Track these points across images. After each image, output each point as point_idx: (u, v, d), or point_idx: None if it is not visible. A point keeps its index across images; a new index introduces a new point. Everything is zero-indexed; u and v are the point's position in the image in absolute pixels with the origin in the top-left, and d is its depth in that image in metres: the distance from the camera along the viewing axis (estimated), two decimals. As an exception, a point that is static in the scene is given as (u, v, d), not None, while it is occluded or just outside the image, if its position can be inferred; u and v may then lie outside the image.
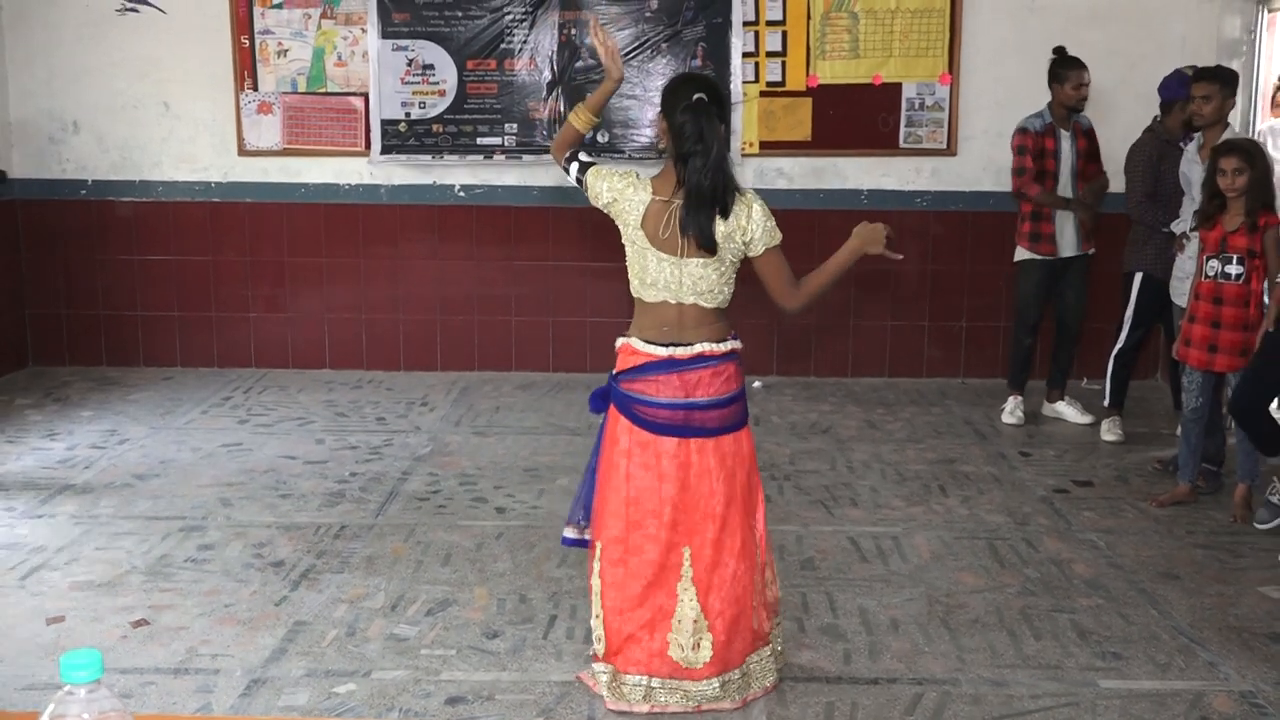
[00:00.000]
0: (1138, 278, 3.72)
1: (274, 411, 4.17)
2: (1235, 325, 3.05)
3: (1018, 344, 4.05)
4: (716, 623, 2.09)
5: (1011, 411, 4.00)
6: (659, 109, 2.11)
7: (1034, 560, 2.84)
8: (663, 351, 2.06)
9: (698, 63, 4.45)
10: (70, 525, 3.03)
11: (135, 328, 4.71)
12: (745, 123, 4.50)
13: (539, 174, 4.60)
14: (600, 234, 4.85)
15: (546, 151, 4.56)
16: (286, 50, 4.53)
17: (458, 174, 4.62)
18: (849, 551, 2.89)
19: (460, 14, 4.48)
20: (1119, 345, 3.82)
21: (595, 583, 2.14)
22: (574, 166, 2.13)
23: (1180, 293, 3.43)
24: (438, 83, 4.51)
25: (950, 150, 4.51)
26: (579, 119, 2.12)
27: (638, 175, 2.09)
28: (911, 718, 2.10)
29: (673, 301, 2.06)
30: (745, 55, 4.45)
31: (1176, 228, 3.55)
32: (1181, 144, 3.57)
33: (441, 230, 4.67)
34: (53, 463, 3.57)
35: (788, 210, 4.51)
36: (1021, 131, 3.85)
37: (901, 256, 2.16)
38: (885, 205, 4.54)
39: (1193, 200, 3.41)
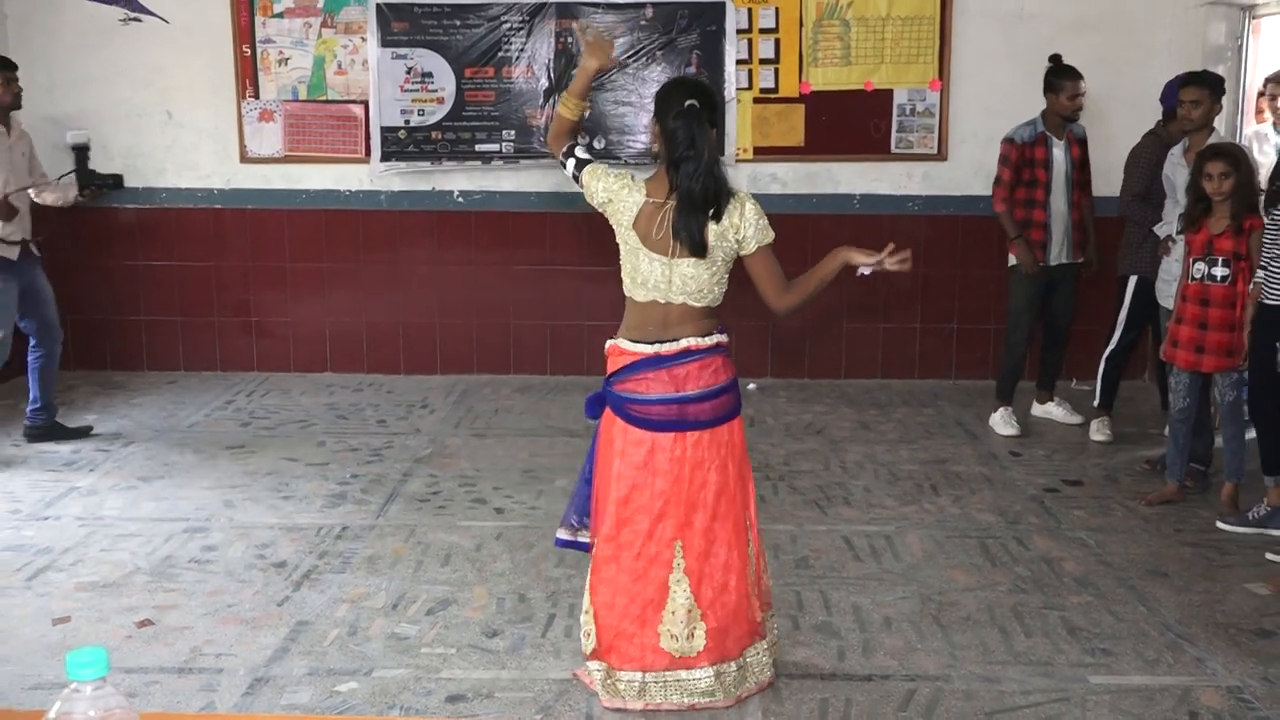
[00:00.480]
0: (1132, 281, 3.74)
1: (276, 414, 4.21)
2: (1222, 326, 3.10)
3: (1010, 353, 3.99)
4: (709, 612, 2.11)
5: (1006, 421, 3.93)
6: (653, 113, 2.14)
7: (1025, 558, 2.88)
8: (648, 349, 2.09)
9: (692, 69, 4.51)
10: (75, 527, 3.06)
11: (139, 332, 4.75)
12: (739, 128, 4.56)
13: (537, 180, 4.65)
14: (597, 239, 4.91)
15: (544, 158, 4.62)
16: (287, 59, 4.59)
17: (456, 180, 4.67)
18: (843, 550, 2.93)
19: (458, 23, 4.54)
20: (1111, 347, 3.85)
21: (588, 579, 2.18)
22: (571, 162, 2.15)
23: (1166, 295, 3.47)
24: (436, 90, 4.57)
25: (941, 155, 4.56)
26: (567, 107, 2.15)
27: (632, 177, 2.12)
28: (905, 714, 2.13)
29: (662, 301, 2.09)
30: (739, 62, 4.50)
31: (1161, 231, 3.59)
32: None
33: (440, 236, 4.72)
34: (58, 465, 3.60)
35: (781, 215, 4.56)
36: (1008, 141, 3.83)
37: (877, 263, 2.03)
38: (877, 209, 4.59)
39: (1176, 203, 3.46)
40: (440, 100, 4.58)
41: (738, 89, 4.51)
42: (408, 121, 4.59)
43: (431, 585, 2.70)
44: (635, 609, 2.12)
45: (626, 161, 4.56)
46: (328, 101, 4.60)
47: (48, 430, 3.78)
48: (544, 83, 4.56)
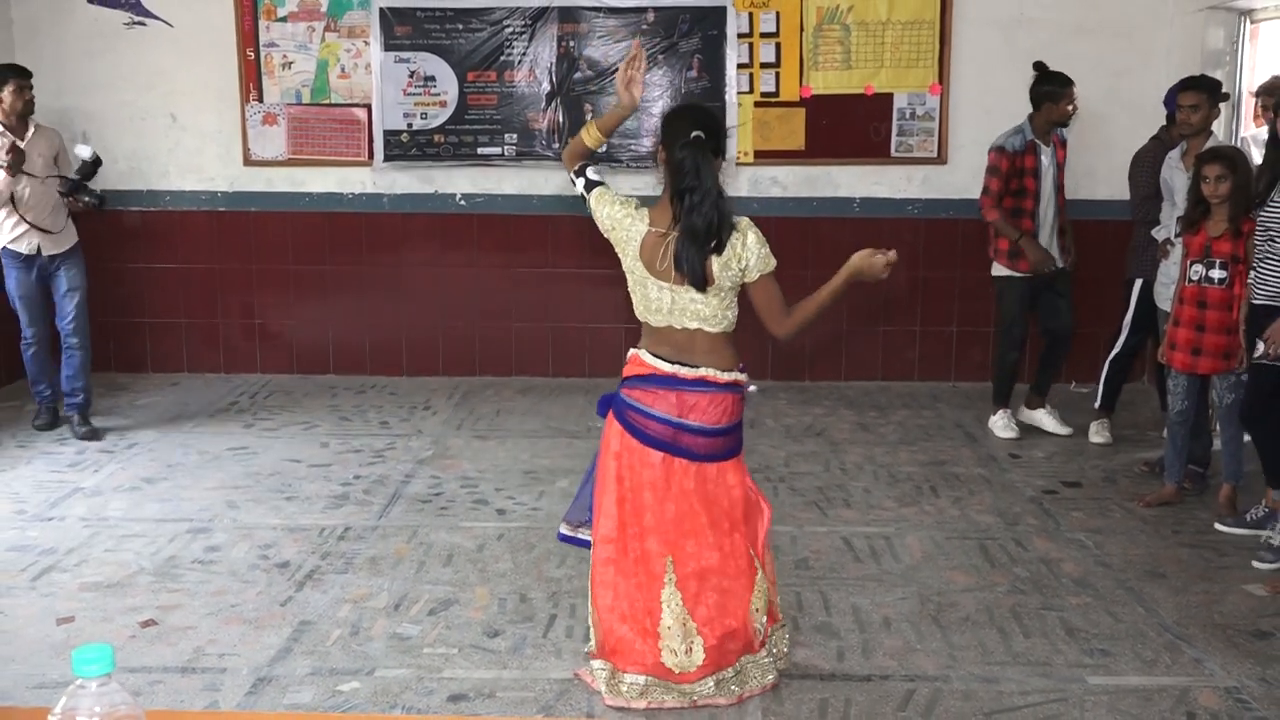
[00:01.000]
0: (1137, 284, 3.73)
1: (279, 416, 4.23)
2: (1219, 329, 3.11)
3: (1003, 360, 3.96)
4: (705, 629, 2.12)
5: (1005, 425, 3.92)
6: (658, 138, 2.16)
7: (1023, 559, 2.89)
8: (668, 368, 2.10)
9: (693, 74, 4.54)
10: (80, 527, 3.08)
11: (143, 334, 4.77)
12: (740, 132, 4.58)
13: (538, 183, 4.67)
14: (599, 242, 4.90)
15: (546, 160, 4.65)
16: (291, 63, 4.61)
17: (458, 183, 4.69)
18: (842, 551, 2.94)
19: (461, 27, 4.56)
20: (1115, 350, 3.85)
21: (590, 581, 2.19)
22: (581, 182, 2.18)
23: (1164, 298, 3.48)
24: (439, 94, 4.59)
25: (941, 159, 4.58)
26: (589, 135, 2.17)
27: (636, 206, 2.13)
28: (904, 714, 2.14)
29: (677, 327, 2.10)
30: (740, 66, 4.53)
31: (1159, 234, 3.60)
32: None
33: (443, 238, 4.74)
34: (63, 466, 3.62)
35: (782, 218, 4.61)
36: (998, 151, 3.74)
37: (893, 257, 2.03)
38: (877, 213, 4.61)
39: (1174, 206, 3.47)
40: (443, 104, 4.60)
41: (739, 93, 4.53)
42: (410, 125, 4.61)
43: (433, 586, 2.71)
44: (635, 615, 2.13)
45: (627, 164, 4.58)
46: (331, 105, 4.63)
47: (71, 421, 3.98)
48: (546, 86, 4.58)
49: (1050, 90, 3.73)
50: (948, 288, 4.68)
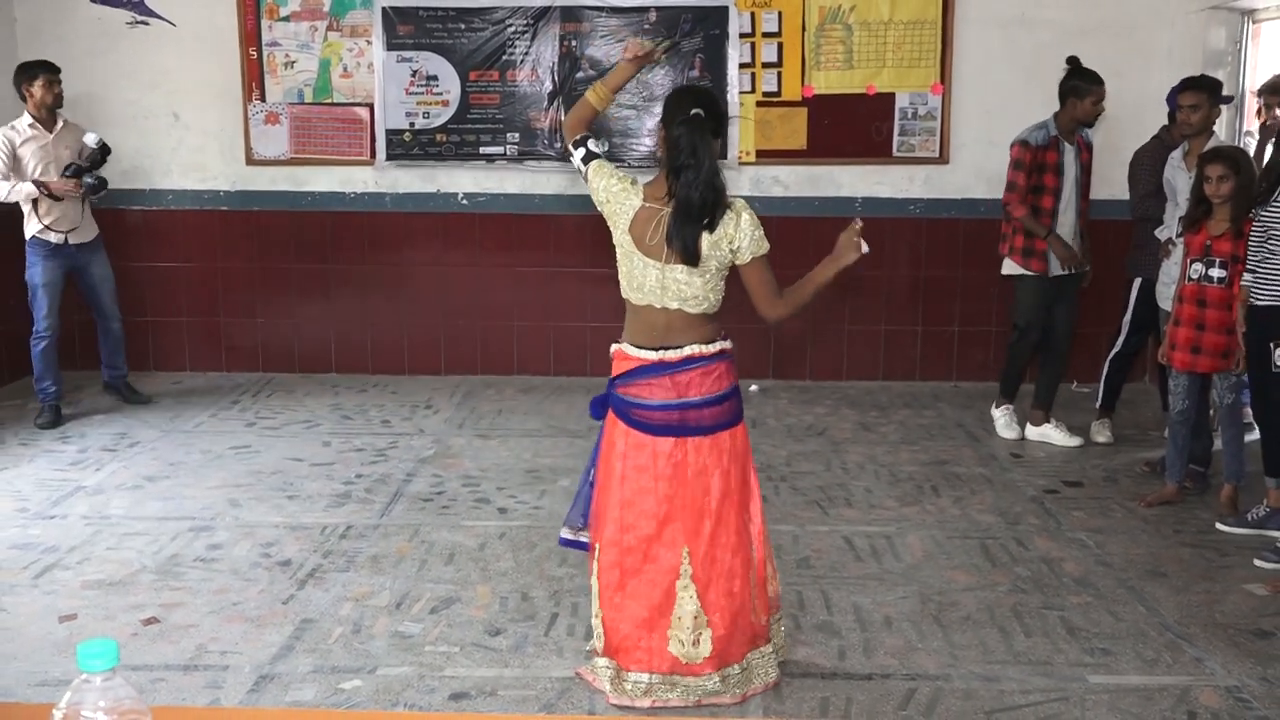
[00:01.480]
0: (1136, 283, 3.73)
1: (281, 415, 4.23)
2: (1219, 328, 3.11)
3: (1016, 358, 3.86)
4: (715, 618, 2.13)
5: (1008, 424, 3.86)
6: (659, 118, 2.16)
7: (1025, 559, 2.90)
8: (652, 355, 2.10)
9: (695, 74, 4.54)
10: (82, 525, 3.09)
11: (146, 333, 4.78)
12: (742, 132, 4.58)
13: (541, 182, 4.68)
14: (601, 241, 4.90)
15: (548, 159, 4.65)
16: (293, 62, 4.62)
17: (461, 182, 4.69)
18: (844, 551, 2.94)
19: (463, 26, 4.57)
20: (1115, 349, 3.84)
21: (594, 583, 2.20)
22: (581, 152, 2.16)
23: (1165, 297, 3.48)
24: (441, 93, 4.60)
25: (943, 159, 4.58)
26: (596, 95, 2.15)
27: (633, 180, 2.14)
28: (905, 712, 2.14)
29: (658, 306, 2.09)
30: (742, 66, 4.53)
31: (1161, 234, 3.60)
32: None
33: (445, 237, 4.74)
34: (65, 465, 3.63)
35: (784, 217, 4.62)
36: (1022, 144, 3.64)
37: (866, 250, 2.04)
38: (879, 212, 4.61)
39: (1176, 206, 3.47)
40: (445, 103, 4.61)
41: (741, 92, 4.53)
42: (413, 124, 4.62)
43: (435, 584, 2.72)
44: (642, 613, 2.13)
45: (630, 164, 4.59)
46: (333, 104, 4.63)
47: (119, 389, 4.30)
48: (548, 86, 4.59)
49: (1076, 86, 3.59)
50: (949, 287, 4.68)
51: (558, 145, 4.61)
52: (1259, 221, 2.93)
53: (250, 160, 4.68)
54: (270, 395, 4.52)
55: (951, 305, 4.69)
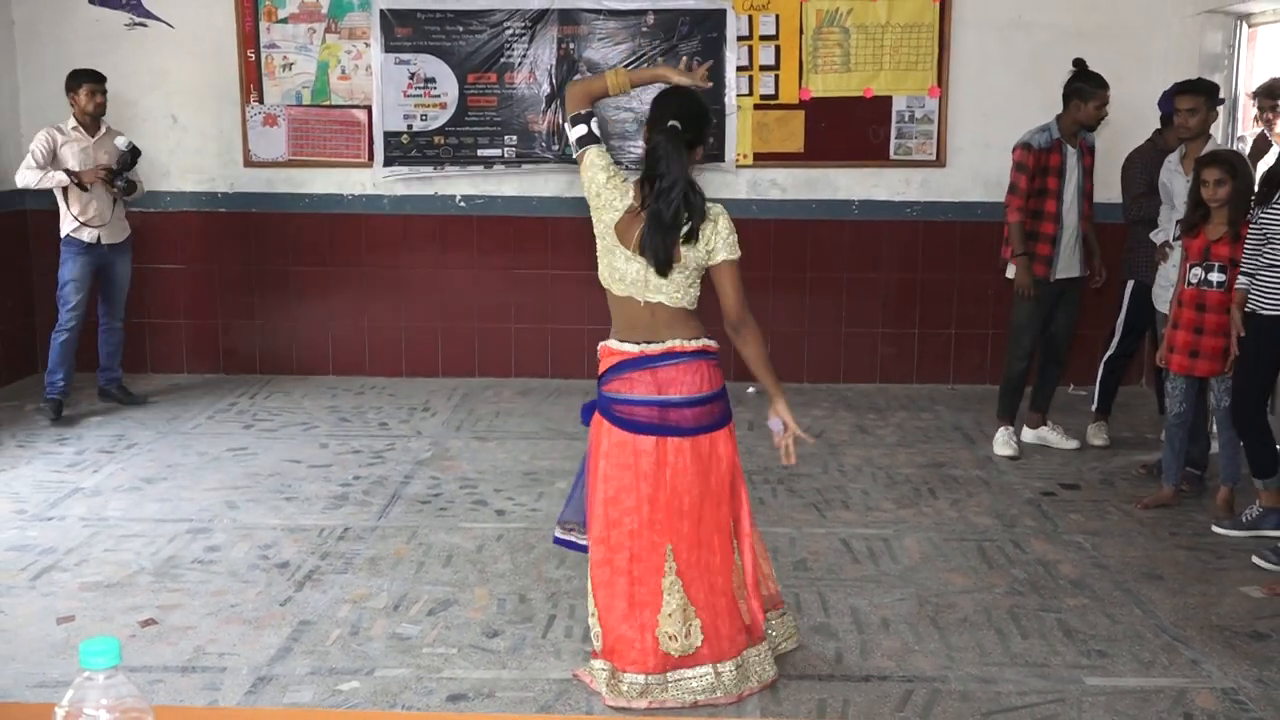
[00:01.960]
0: (1129, 285, 3.74)
1: (279, 417, 4.23)
2: (1217, 332, 3.12)
3: (1011, 369, 3.79)
4: (703, 610, 2.14)
5: (1006, 443, 3.76)
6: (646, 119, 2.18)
7: (1021, 561, 2.90)
8: (635, 349, 2.12)
9: (694, 76, 4.55)
10: (80, 527, 3.09)
11: (144, 335, 4.78)
12: (739, 135, 4.59)
13: (538, 185, 4.69)
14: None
15: (545, 162, 4.66)
16: (291, 64, 4.63)
17: (458, 185, 4.70)
18: (841, 553, 2.95)
19: (461, 29, 4.58)
20: (1110, 351, 3.85)
21: (588, 582, 2.21)
22: (580, 129, 2.15)
23: (1163, 300, 3.49)
24: (439, 96, 4.60)
25: (939, 161, 4.59)
26: (615, 79, 2.15)
27: (624, 179, 2.15)
28: (902, 714, 2.15)
29: (640, 300, 2.11)
30: (739, 69, 4.54)
31: (1157, 237, 3.61)
32: None
33: (443, 239, 4.75)
34: (62, 467, 3.63)
35: (781, 220, 4.63)
36: (1024, 147, 3.57)
37: None
38: (876, 215, 4.63)
39: (1173, 209, 3.48)
40: (443, 105, 4.61)
41: (738, 95, 4.54)
42: (410, 126, 4.62)
43: (433, 586, 2.72)
44: (633, 611, 2.14)
45: (626, 166, 4.60)
46: (331, 106, 4.64)
47: (113, 393, 4.32)
48: (546, 89, 4.60)
49: (1080, 88, 3.54)
50: (946, 290, 4.69)
51: (555, 148, 4.62)
52: (1257, 224, 2.94)
53: (248, 162, 4.69)
54: (268, 397, 4.52)
55: (948, 308, 4.70)
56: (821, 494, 3.41)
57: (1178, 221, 3.31)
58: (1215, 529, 3.09)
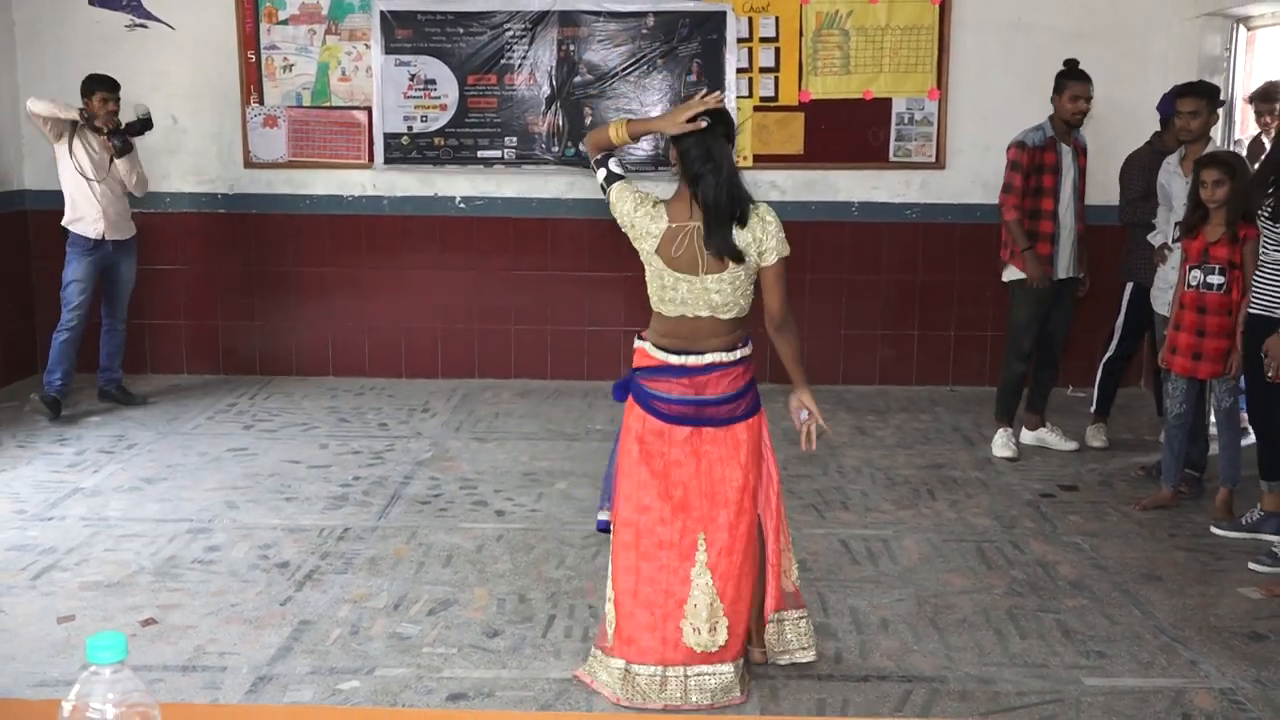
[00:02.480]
0: (1128, 288, 3.75)
1: (278, 417, 4.24)
2: (1219, 334, 3.12)
3: (1009, 371, 3.78)
4: (731, 608, 2.13)
5: (1004, 444, 3.77)
6: (665, 138, 2.17)
7: (1020, 562, 2.91)
8: (675, 360, 2.13)
9: (693, 78, 4.56)
10: (80, 527, 3.09)
11: (144, 336, 4.78)
12: (739, 137, 4.60)
13: (538, 186, 4.69)
14: (597, 245, 4.94)
15: (545, 163, 4.67)
16: (292, 65, 4.63)
17: (459, 186, 4.71)
18: (840, 554, 2.96)
19: (461, 30, 4.59)
20: (1109, 353, 3.86)
21: (609, 565, 2.19)
22: (603, 173, 2.19)
23: (1162, 302, 3.49)
24: (439, 97, 4.61)
25: (939, 163, 4.60)
26: (619, 134, 2.16)
27: (654, 203, 2.14)
28: (901, 714, 2.15)
29: (689, 315, 2.12)
30: (739, 71, 4.55)
31: (1156, 239, 3.61)
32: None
33: (443, 241, 4.75)
34: (62, 467, 3.63)
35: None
36: (1018, 146, 3.59)
37: None
38: (875, 217, 4.63)
39: (1171, 211, 3.48)
40: (443, 107, 4.62)
41: (738, 97, 4.55)
42: (410, 128, 4.63)
43: (433, 586, 2.72)
44: (657, 598, 2.12)
45: (628, 168, 4.59)
46: (331, 107, 4.65)
47: (113, 393, 4.33)
48: (546, 90, 4.61)
49: (1056, 83, 3.60)
50: (946, 292, 4.70)
51: (555, 149, 4.63)
52: (1270, 231, 2.91)
53: (248, 163, 4.69)
54: (268, 398, 4.52)
55: (948, 310, 4.71)
56: (821, 495, 3.41)
57: (1177, 224, 3.32)
58: (1214, 530, 3.10)
